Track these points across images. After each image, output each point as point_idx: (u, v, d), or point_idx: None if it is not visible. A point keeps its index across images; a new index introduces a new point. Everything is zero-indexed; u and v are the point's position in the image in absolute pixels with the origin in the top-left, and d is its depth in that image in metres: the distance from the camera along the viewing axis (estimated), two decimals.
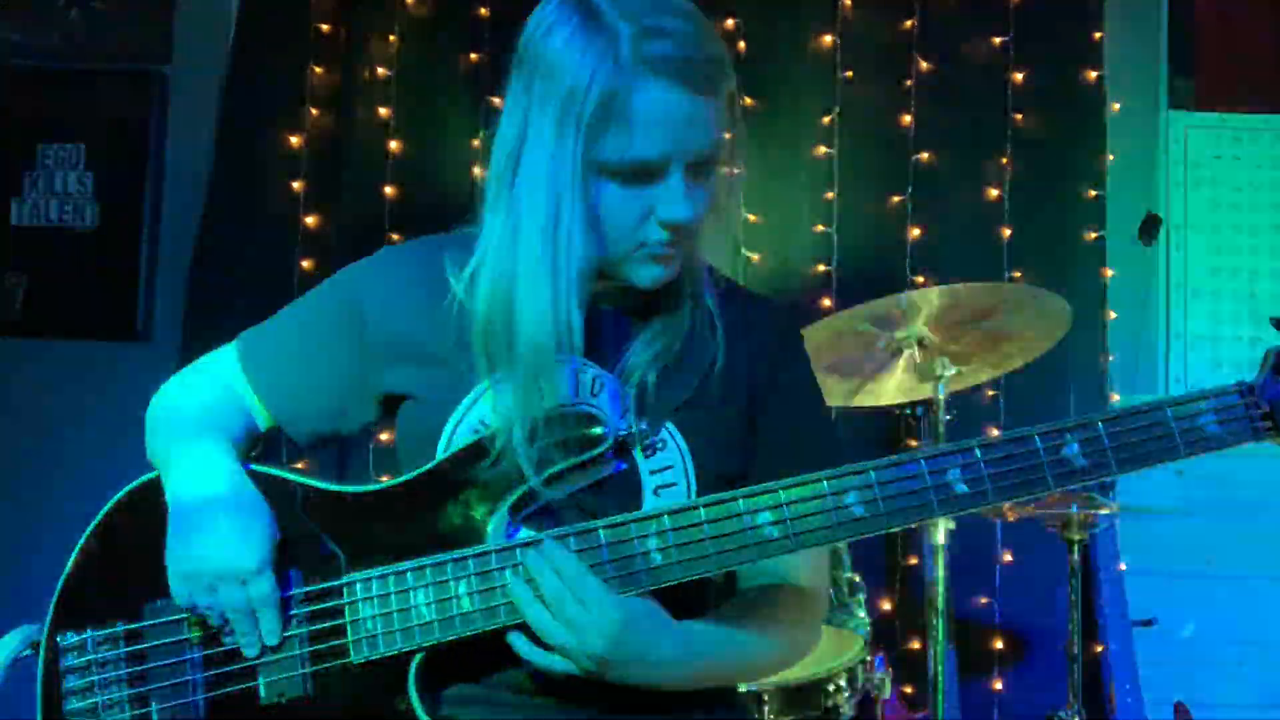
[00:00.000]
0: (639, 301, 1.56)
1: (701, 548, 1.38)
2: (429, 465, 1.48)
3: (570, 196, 1.42)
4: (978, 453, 1.37)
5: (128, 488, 1.54)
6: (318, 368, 1.60)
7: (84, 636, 1.48)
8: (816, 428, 1.63)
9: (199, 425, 1.55)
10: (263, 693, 1.44)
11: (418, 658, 1.42)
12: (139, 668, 1.47)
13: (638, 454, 1.49)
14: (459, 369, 1.51)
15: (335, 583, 1.45)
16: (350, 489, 1.50)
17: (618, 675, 1.39)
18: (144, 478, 1.54)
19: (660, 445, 1.50)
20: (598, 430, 1.45)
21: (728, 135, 1.48)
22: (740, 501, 1.38)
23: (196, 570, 1.43)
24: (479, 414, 1.50)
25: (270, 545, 1.44)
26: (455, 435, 1.50)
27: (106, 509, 1.53)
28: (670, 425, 1.51)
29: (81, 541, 1.52)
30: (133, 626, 1.48)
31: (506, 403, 1.46)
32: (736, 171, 1.55)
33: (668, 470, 1.50)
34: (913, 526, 1.41)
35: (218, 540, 1.43)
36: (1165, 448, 1.38)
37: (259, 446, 1.68)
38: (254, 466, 1.54)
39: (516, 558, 1.40)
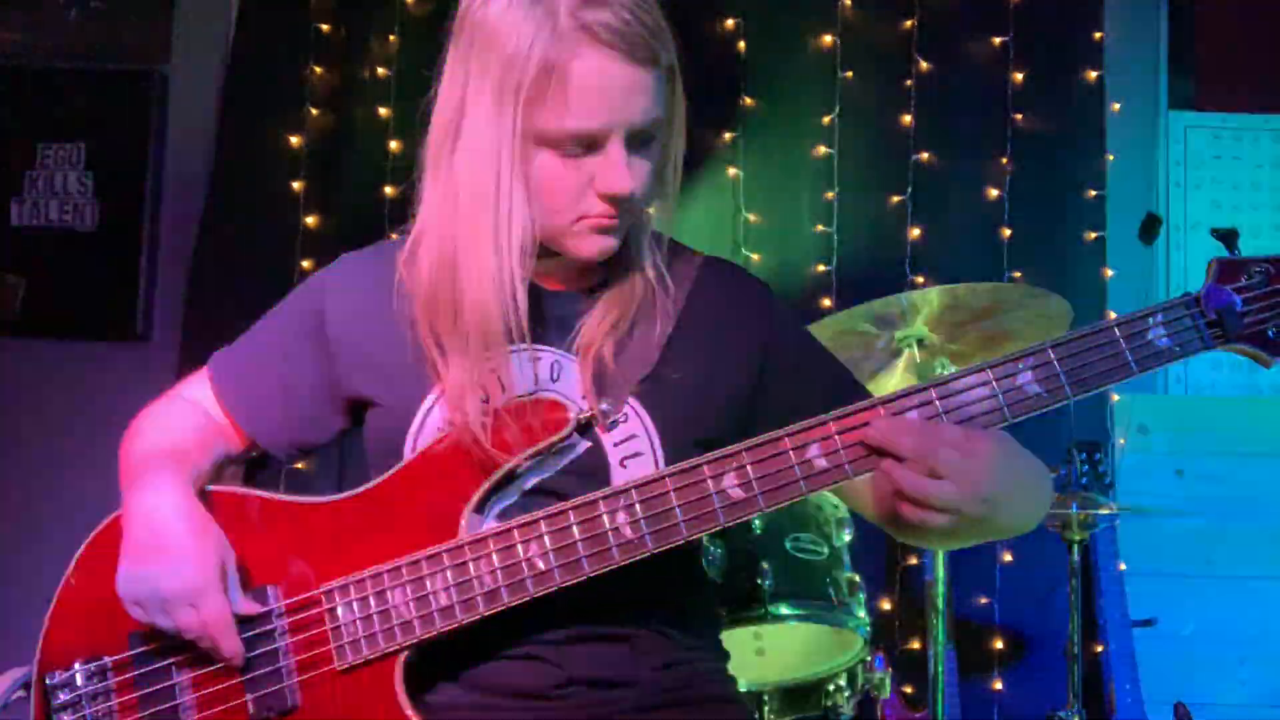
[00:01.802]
0: (587, 277, 1.57)
1: (670, 516, 1.38)
2: (397, 467, 1.49)
3: (510, 167, 1.43)
4: (933, 393, 1.38)
5: (105, 521, 1.54)
6: (286, 380, 1.61)
7: (72, 672, 1.48)
8: (834, 368, 1.64)
9: (156, 455, 1.54)
10: (251, 709, 1.44)
11: (403, 657, 1.42)
12: (129, 696, 1.47)
13: (599, 430, 1.49)
14: (418, 372, 1.52)
15: (314, 592, 1.45)
16: (323, 499, 1.51)
17: (1005, 510, 1.36)
18: (120, 510, 1.53)
19: (622, 418, 1.50)
20: (561, 416, 1.45)
21: (668, 107, 1.48)
22: (705, 467, 1.38)
23: (145, 597, 1.43)
24: (442, 413, 1.51)
25: (217, 565, 1.43)
26: (420, 437, 1.51)
27: (85, 545, 1.53)
28: (630, 398, 1.51)
29: (64, 579, 1.52)
30: (119, 657, 1.48)
31: (457, 378, 1.46)
32: (679, 144, 1.54)
33: (631, 440, 1.50)
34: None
35: (160, 566, 1.42)
36: (1117, 365, 1.39)
37: (234, 465, 1.69)
38: (216, 488, 1.54)
39: (489, 547, 1.40)
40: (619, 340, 1.52)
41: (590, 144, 1.43)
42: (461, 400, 1.45)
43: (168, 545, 1.43)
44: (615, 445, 1.50)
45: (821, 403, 1.41)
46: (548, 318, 1.54)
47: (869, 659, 2.77)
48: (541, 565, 1.39)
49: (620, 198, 1.45)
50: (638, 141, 1.46)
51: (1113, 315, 3.74)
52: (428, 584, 1.42)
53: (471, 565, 1.41)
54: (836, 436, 1.38)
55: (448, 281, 1.48)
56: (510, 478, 1.46)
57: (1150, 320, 1.40)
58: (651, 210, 1.57)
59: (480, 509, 1.45)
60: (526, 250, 1.46)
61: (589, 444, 1.48)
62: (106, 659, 1.48)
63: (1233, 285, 1.41)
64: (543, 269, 1.56)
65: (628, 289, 1.55)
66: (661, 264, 1.59)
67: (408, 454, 1.50)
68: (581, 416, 1.46)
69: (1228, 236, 1.47)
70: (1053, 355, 1.38)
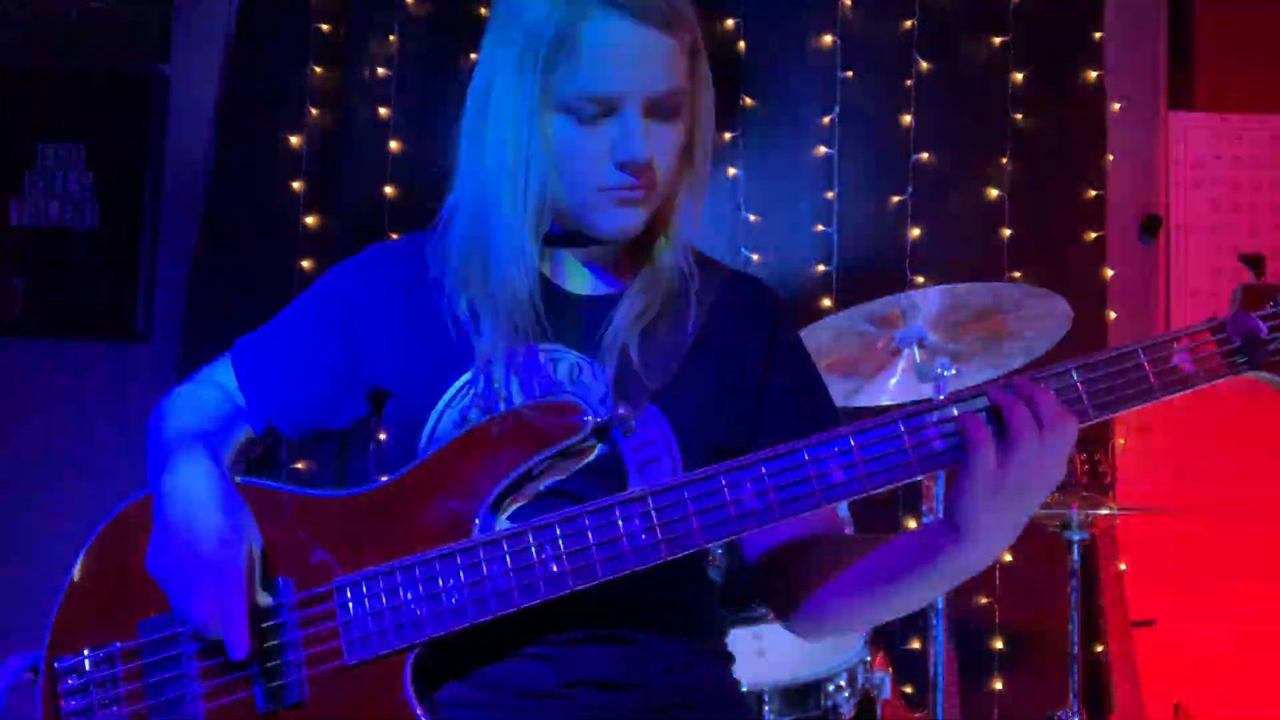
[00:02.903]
0: (612, 279, 1.58)
1: (686, 524, 1.38)
2: (413, 464, 1.49)
3: (529, 132, 1.46)
4: (954, 409, 1.37)
5: (118, 508, 1.53)
6: (306, 364, 1.62)
7: (80, 658, 1.48)
8: (816, 395, 1.65)
9: (187, 435, 1.55)
10: (259, 701, 1.44)
11: (411, 655, 1.42)
12: (137, 685, 1.46)
13: (616, 435, 1.49)
14: (441, 364, 1.53)
15: (326, 587, 1.45)
16: (338, 494, 1.50)
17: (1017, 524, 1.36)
18: (133, 497, 1.53)
19: (641, 424, 1.51)
20: (578, 419, 1.45)
21: (691, 83, 1.50)
22: (722, 476, 1.38)
23: (171, 568, 1.43)
24: (460, 409, 1.51)
25: (246, 545, 1.43)
26: (438, 430, 1.51)
27: (97, 531, 1.53)
28: (650, 404, 1.52)
29: (75, 564, 1.52)
30: (128, 645, 1.48)
31: (490, 339, 1.50)
32: (707, 129, 1.56)
33: (649, 446, 1.51)
34: (896, 489, 1.41)
35: (193, 541, 1.42)
36: (1140, 390, 1.38)
37: (259, 448, 1.70)
38: (241, 479, 1.54)
39: (503, 548, 1.40)
40: (644, 340, 1.53)
41: (607, 109, 1.45)
42: (492, 364, 1.48)
43: (199, 521, 1.43)
44: (634, 450, 1.50)
45: (795, 436, 1.40)
46: (569, 319, 1.55)
47: (869, 659, 2.77)
48: (555, 568, 1.39)
49: (637, 164, 1.46)
50: (658, 113, 1.47)
51: (1113, 315, 3.78)
52: (440, 583, 1.41)
53: (485, 565, 1.40)
54: (855, 450, 1.37)
55: (479, 248, 1.52)
56: (526, 479, 1.46)
57: (1175, 345, 1.39)
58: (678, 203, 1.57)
59: (495, 509, 1.45)
60: (542, 212, 1.50)
61: (606, 449, 1.48)
62: (115, 646, 1.48)
63: (1258, 312, 1.40)
64: (567, 271, 1.57)
65: (655, 288, 1.56)
66: (693, 264, 1.60)
67: (423, 447, 1.51)
68: (598, 421, 1.46)
69: (1255, 263, 1.47)
70: (1076, 377, 1.37)
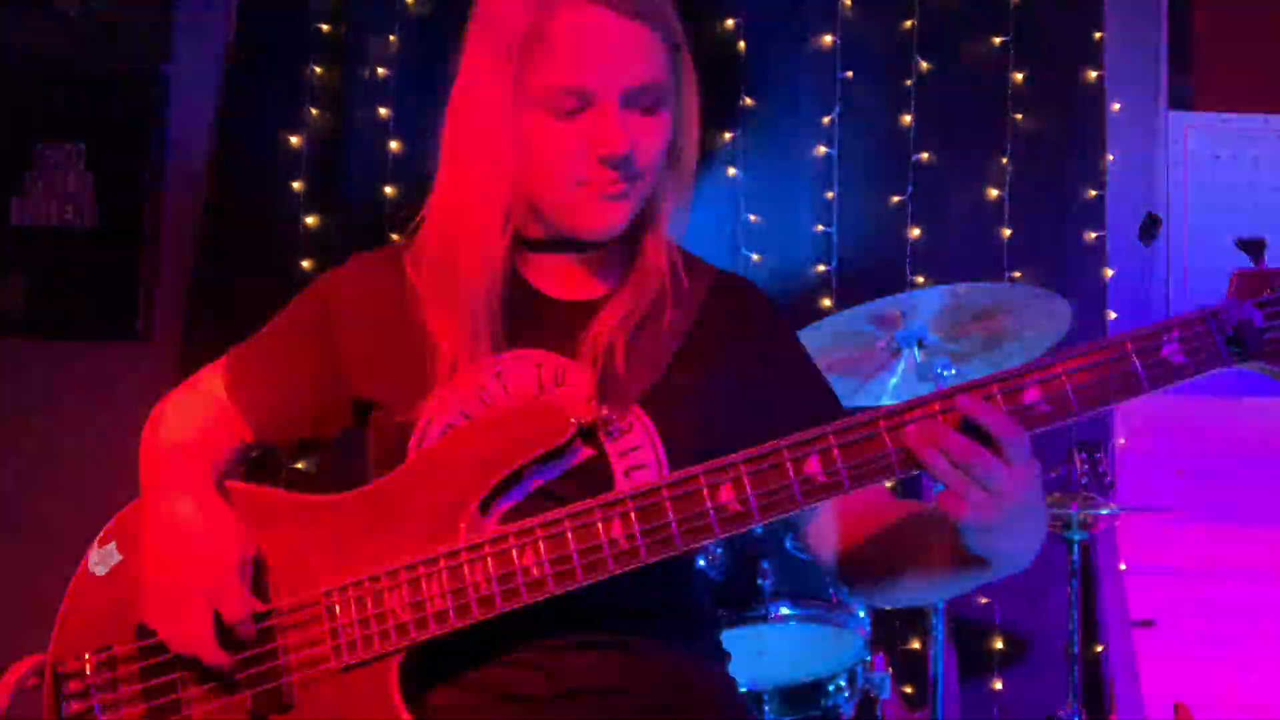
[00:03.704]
0: (596, 285, 1.57)
1: (666, 528, 1.36)
2: (400, 468, 1.49)
3: (501, 130, 1.45)
4: (936, 406, 1.33)
5: (118, 514, 1.55)
6: (291, 378, 1.62)
7: (82, 662, 1.49)
8: (821, 395, 1.63)
9: (178, 448, 1.57)
10: (250, 705, 1.45)
11: (399, 659, 1.42)
12: (134, 688, 1.48)
13: (602, 439, 1.48)
14: (425, 375, 1.51)
15: (315, 591, 1.46)
16: (328, 497, 1.51)
17: (1033, 533, 1.34)
18: (135, 501, 1.55)
19: (627, 427, 1.49)
20: (562, 422, 1.44)
21: (673, 78, 1.48)
22: (702, 478, 1.36)
23: (166, 591, 1.45)
24: (446, 417, 1.50)
25: (238, 561, 1.45)
26: (425, 439, 1.50)
27: (101, 535, 1.54)
28: (637, 408, 1.50)
29: (79, 568, 1.54)
30: (126, 649, 1.49)
31: (457, 340, 1.49)
32: (693, 128, 1.55)
33: (636, 451, 1.49)
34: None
35: (184, 561, 1.44)
36: (1129, 383, 1.31)
37: (255, 452, 1.70)
38: (234, 484, 1.55)
39: (485, 553, 1.40)
40: (630, 343, 1.51)
41: (584, 103, 1.43)
42: (477, 370, 1.48)
43: (189, 540, 1.45)
44: (620, 455, 1.49)
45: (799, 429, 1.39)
46: (553, 325, 1.53)
47: (869, 659, 2.77)
48: (536, 573, 1.38)
49: (616, 158, 1.44)
50: (637, 105, 1.45)
51: (1113, 315, 3.79)
52: (424, 588, 1.41)
53: (467, 571, 1.40)
54: (836, 450, 1.34)
55: (449, 244, 1.51)
56: (512, 480, 1.45)
57: (1165, 336, 1.32)
58: (666, 203, 1.56)
59: (482, 510, 1.45)
60: (508, 208, 1.49)
61: (592, 451, 1.47)
62: (115, 650, 1.49)
63: (1254, 300, 1.32)
64: (550, 277, 1.56)
65: (642, 290, 1.54)
66: (679, 261, 1.58)
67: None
68: (582, 423, 1.45)
69: (1254, 247, 1.42)
70: (1061, 370, 1.32)
